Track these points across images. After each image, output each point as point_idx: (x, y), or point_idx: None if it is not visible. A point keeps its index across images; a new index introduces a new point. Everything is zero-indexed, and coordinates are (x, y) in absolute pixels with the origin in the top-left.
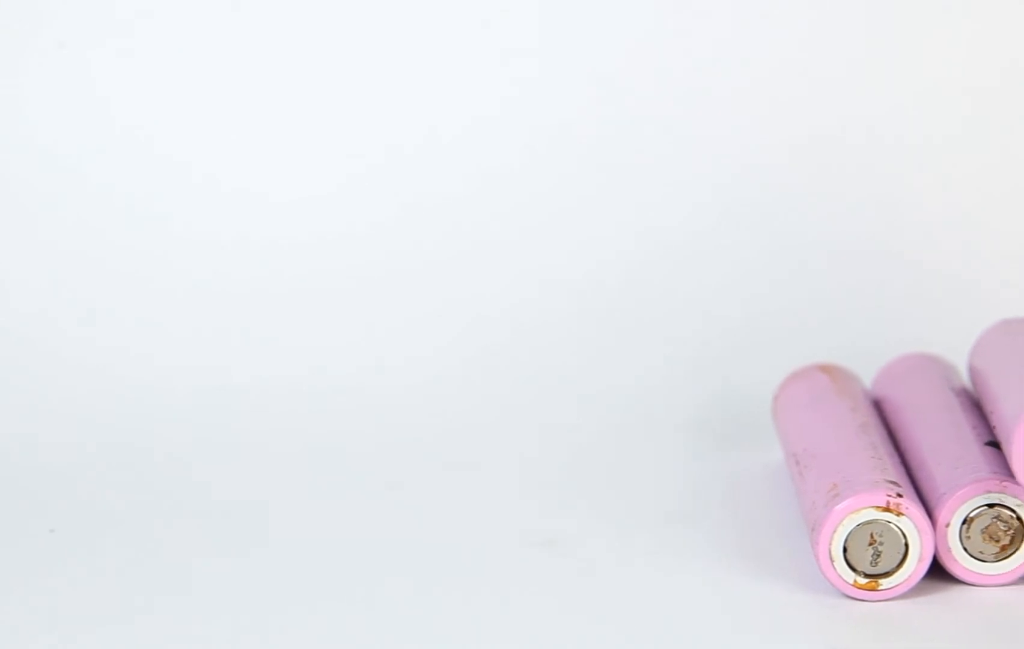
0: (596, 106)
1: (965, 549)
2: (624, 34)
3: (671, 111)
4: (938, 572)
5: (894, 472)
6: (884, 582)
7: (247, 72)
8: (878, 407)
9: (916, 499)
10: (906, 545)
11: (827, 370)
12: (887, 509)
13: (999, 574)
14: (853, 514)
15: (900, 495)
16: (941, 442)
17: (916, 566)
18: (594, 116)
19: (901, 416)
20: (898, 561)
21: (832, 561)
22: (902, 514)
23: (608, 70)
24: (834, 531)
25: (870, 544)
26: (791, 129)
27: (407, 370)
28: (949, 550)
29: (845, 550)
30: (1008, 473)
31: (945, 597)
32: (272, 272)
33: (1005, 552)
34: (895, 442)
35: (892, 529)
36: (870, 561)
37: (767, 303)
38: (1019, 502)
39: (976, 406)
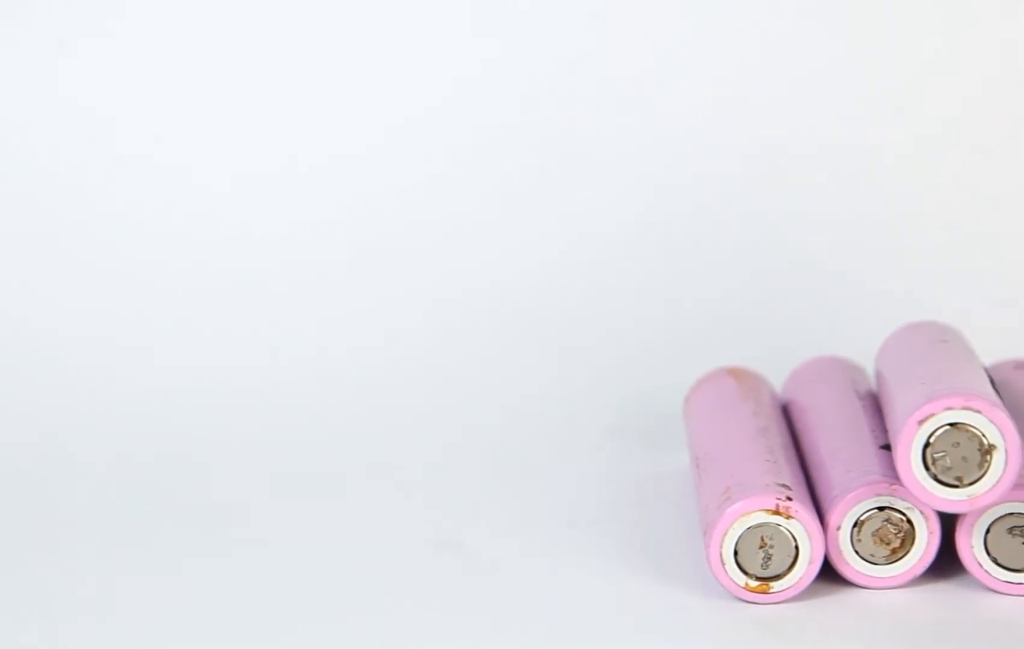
0: (532, 110)
1: (856, 552)
2: (571, 35)
3: (604, 120)
4: (831, 574)
5: (789, 476)
6: (775, 585)
7: (208, 70)
8: (786, 410)
9: (807, 502)
10: (796, 548)
11: (734, 373)
12: (777, 512)
13: (890, 576)
14: (743, 517)
15: (790, 498)
16: (839, 445)
17: (806, 569)
18: (531, 120)
19: (805, 419)
20: (788, 564)
21: (723, 564)
22: (792, 517)
23: (550, 74)
24: (724, 534)
25: (761, 547)
26: (711, 139)
27: (325, 371)
28: (840, 553)
29: (736, 553)
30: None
31: (836, 599)
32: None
33: (896, 555)
34: (799, 445)
35: (782, 532)
36: (761, 564)
37: (688, 308)
38: (909, 505)
39: (879, 409)
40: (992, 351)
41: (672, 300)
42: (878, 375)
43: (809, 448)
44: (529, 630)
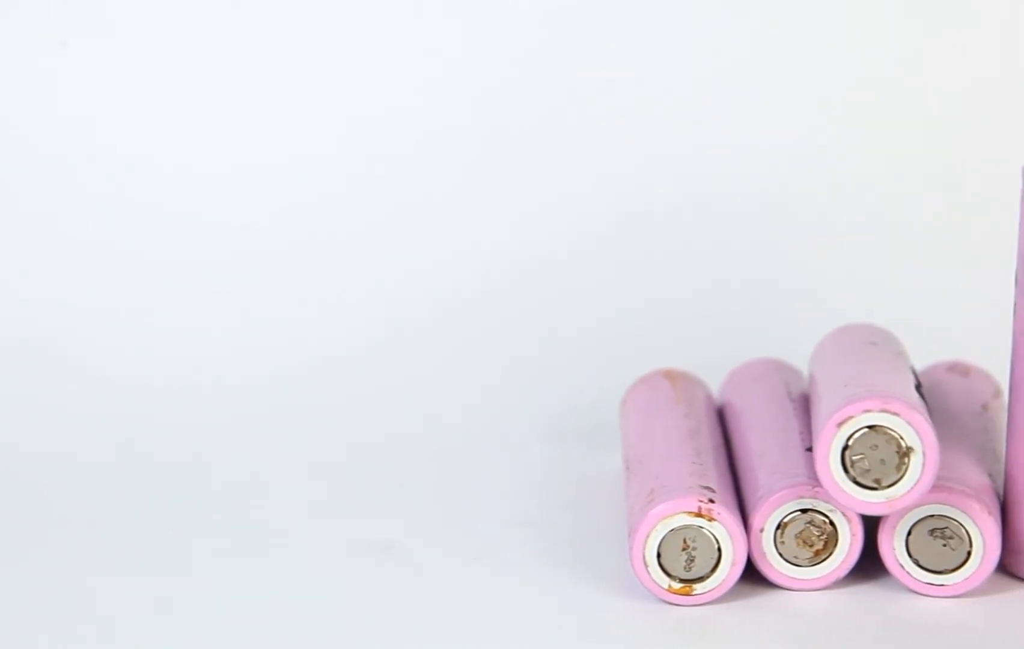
0: (484, 117)
1: (780, 554)
2: (529, 38)
3: (552, 128)
4: (755, 576)
5: (715, 478)
6: (698, 587)
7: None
8: (722, 412)
9: (731, 505)
10: (719, 550)
11: (669, 376)
12: (699, 514)
13: (813, 578)
14: (666, 519)
15: (712, 500)
16: (767, 447)
17: (729, 571)
18: (482, 126)
19: (738, 421)
20: (711, 566)
21: (646, 566)
22: (714, 519)
23: (505, 80)
24: (647, 536)
25: (683, 549)
26: (652, 148)
27: (262, 372)
28: (764, 555)
29: (659, 555)
30: None
31: (760, 601)
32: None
33: (819, 557)
34: (731, 447)
35: (705, 534)
36: (684, 566)
37: (632, 311)
38: (832, 507)
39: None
40: (929, 353)
41: (615, 303)
42: (809, 377)
43: (739, 450)
44: (450, 632)
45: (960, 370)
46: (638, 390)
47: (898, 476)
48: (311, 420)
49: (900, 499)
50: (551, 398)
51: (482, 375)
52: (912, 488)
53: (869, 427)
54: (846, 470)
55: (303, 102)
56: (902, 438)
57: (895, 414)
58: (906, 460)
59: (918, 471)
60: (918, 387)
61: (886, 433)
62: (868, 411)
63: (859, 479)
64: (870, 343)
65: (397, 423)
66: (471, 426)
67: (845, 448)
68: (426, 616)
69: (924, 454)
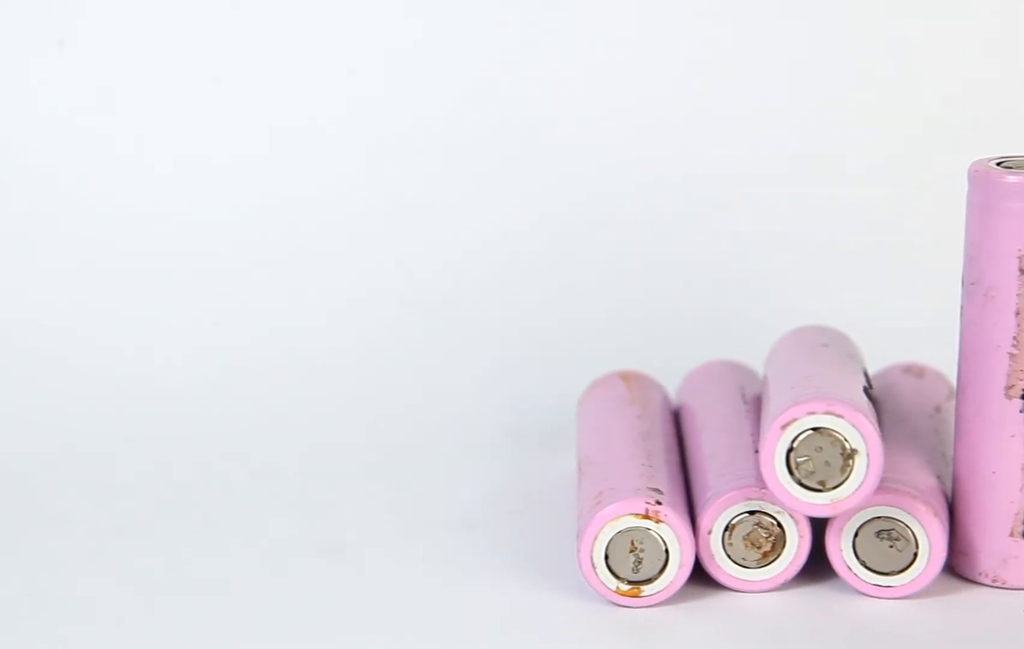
0: (435, 125)
1: (728, 555)
2: (479, 48)
3: (509, 130)
4: (704, 577)
5: (665, 480)
6: (646, 589)
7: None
8: (678, 414)
9: (680, 506)
10: (666, 552)
11: (625, 377)
12: (646, 516)
13: (761, 580)
14: (613, 521)
15: (659, 503)
16: (718, 449)
17: (677, 573)
18: (429, 134)
19: (692, 423)
20: (659, 568)
21: (594, 568)
22: (661, 521)
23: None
24: (595, 538)
25: (631, 551)
26: (609, 150)
27: (208, 372)
28: (712, 557)
29: (607, 557)
30: None
31: (709, 603)
32: None
33: (767, 558)
34: (685, 450)
35: (652, 536)
36: (631, 568)
37: (592, 312)
38: (779, 509)
39: None
40: (888, 355)
41: (576, 305)
42: (763, 379)
43: (692, 452)
44: (396, 634)
45: (915, 372)
46: (594, 391)
47: (843, 478)
48: (264, 418)
49: (845, 501)
50: (510, 399)
51: (440, 375)
52: (857, 490)
53: (814, 429)
54: (791, 472)
55: (267, 101)
56: (846, 440)
57: (839, 416)
58: (851, 462)
59: (862, 473)
60: (867, 389)
61: (831, 435)
62: (812, 413)
63: (804, 481)
64: (822, 345)
65: (352, 423)
66: (428, 426)
67: (790, 450)
68: (373, 618)
69: (868, 456)
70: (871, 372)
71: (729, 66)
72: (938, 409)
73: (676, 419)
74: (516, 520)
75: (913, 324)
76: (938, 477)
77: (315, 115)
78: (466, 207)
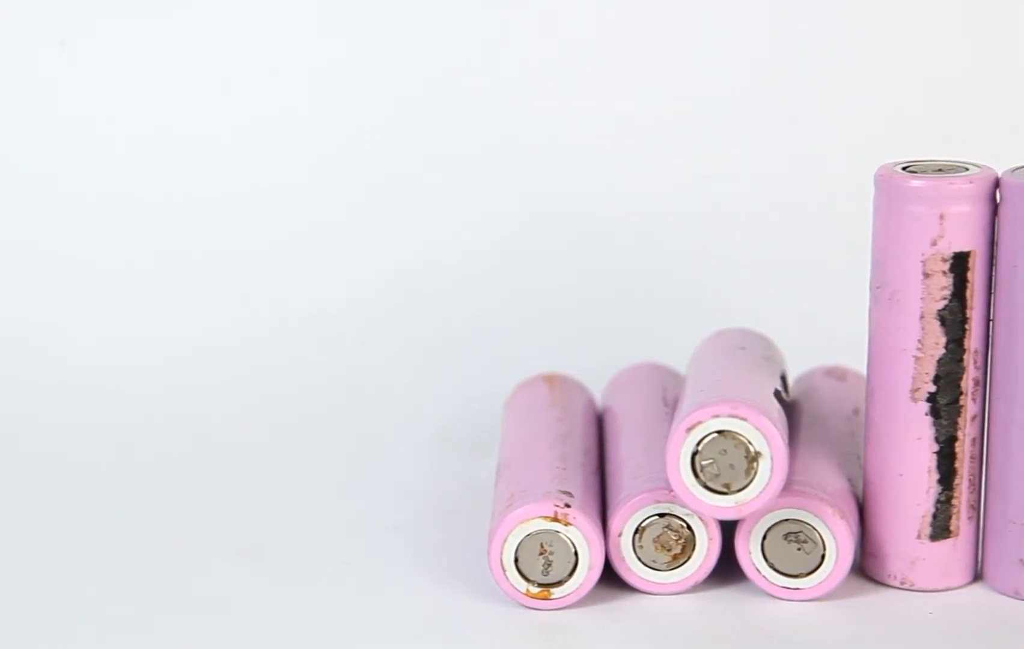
0: (376, 126)
1: (638, 557)
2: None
3: (444, 132)
4: (616, 580)
5: (579, 482)
6: (556, 591)
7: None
8: (602, 417)
9: (590, 509)
10: (576, 555)
11: (549, 380)
12: (555, 519)
13: (672, 582)
14: (522, 524)
15: (568, 505)
16: (633, 451)
17: (586, 575)
18: (368, 135)
19: (613, 425)
20: (569, 570)
21: (504, 570)
22: (570, 524)
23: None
24: (504, 541)
25: (541, 553)
26: (539, 152)
27: (144, 363)
28: (623, 559)
29: (517, 559)
30: None
31: (620, 605)
32: None
33: (677, 561)
34: (606, 452)
35: (562, 539)
36: (541, 570)
37: (525, 315)
38: (689, 511)
39: None
40: (815, 358)
41: (510, 308)
42: (684, 381)
43: (610, 454)
44: (308, 637)
45: (837, 374)
46: (518, 394)
47: (747, 481)
48: (186, 416)
49: (749, 504)
50: (439, 401)
51: (369, 376)
52: (761, 493)
53: (718, 432)
54: (696, 475)
55: (207, 104)
56: (750, 443)
57: (743, 419)
58: (755, 465)
59: (767, 476)
60: (778, 392)
61: (735, 438)
62: (717, 416)
63: (709, 484)
64: (739, 348)
65: (278, 423)
66: (356, 427)
67: (695, 453)
68: (285, 622)
69: (772, 459)
70: (794, 374)
71: (660, 80)
72: (856, 411)
73: (601, 422)
74: (439, 523)
75: (840, 327)
76: (849, 479)
77: (252, 115)
78: (397, 212)
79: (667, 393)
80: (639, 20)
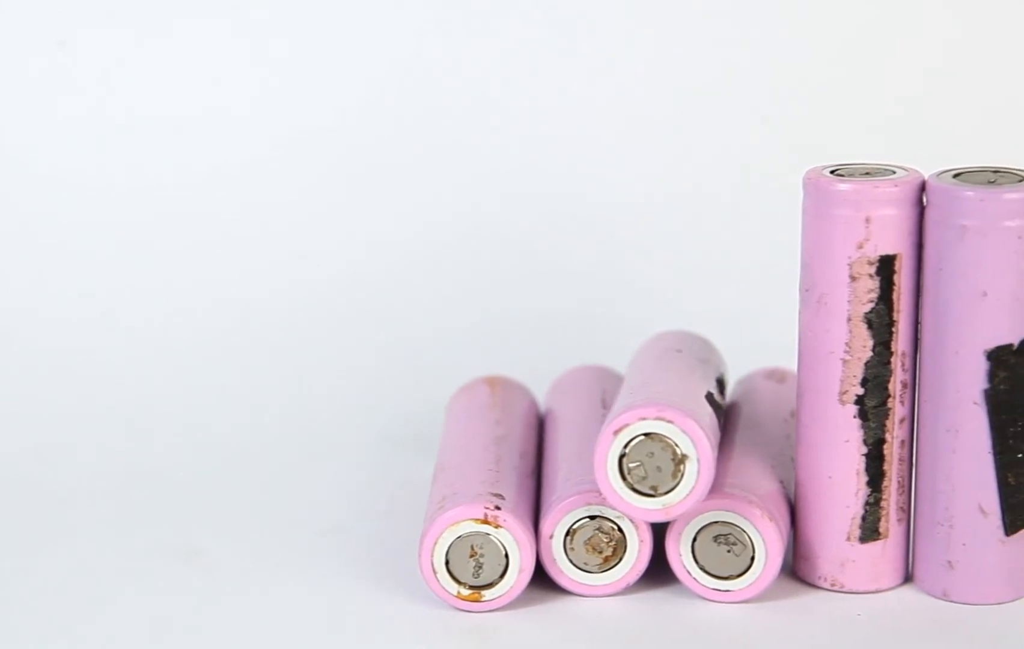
0: (315, 131)
1: (570, 560)
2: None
3: (387, 138)
4: (548, 582)
5: (512, 485)
6: (487, 593)
7: None
8: (543, 420)
9: (522, 512)
10: (506, 557)
11: (491, 382)
12: (485, 521)
13: (603, 585)
14: (453, 526)
15: (499, 508)
16: (568, 454)
17: (517, 577)
18: (310, 137)
19: (553, 428)
20: (500, 573)
21: (435, 573)
22: (500, 526)
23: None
24: (435, 543)
25: (471, 556)
26: (491, 156)
27: (98, 363)
28: (554, 561)
29: (448, 562)
30: None
31: (551, 607)
32: None
33: (608, 563)
34: (543, 454)
35: (492, 541)
36: (472, 572)
37: (479, 319)
38: (620, 514)
39: None
40: (758, 360)
41: (454, 309)
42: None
43: (547, 456)
44: (237, 640)
45: (777, 377)
46: (459, 396)
47: (674, 483)
48: (130, 417)
49: (676, 506)
50: (384, 403)
51: (313, 377)
52: (688, 495)
53: (645, 434)
54: (624, 477)
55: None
56: (677, 446)
57: (669, 422)
58: (682, 467)
59: (693, 478)
60: (711, 395)
61: (662, 440)
62: (643, 419)
63: (636, 486)
64: (675, 351)
65: (219, 424)
66: (298, 429)
67: (623, 455)
68: (219, 624)
69: (699, 461)
70: (736, 376)
71: (606, 89)
72: (793, 414)
73: (542, 424)
74: (377, 525)
75: (784, 330)
76: (781, 482)
77: (200, 112)
78: (340, 213)
79: (606, 395)
80: (591, 29)
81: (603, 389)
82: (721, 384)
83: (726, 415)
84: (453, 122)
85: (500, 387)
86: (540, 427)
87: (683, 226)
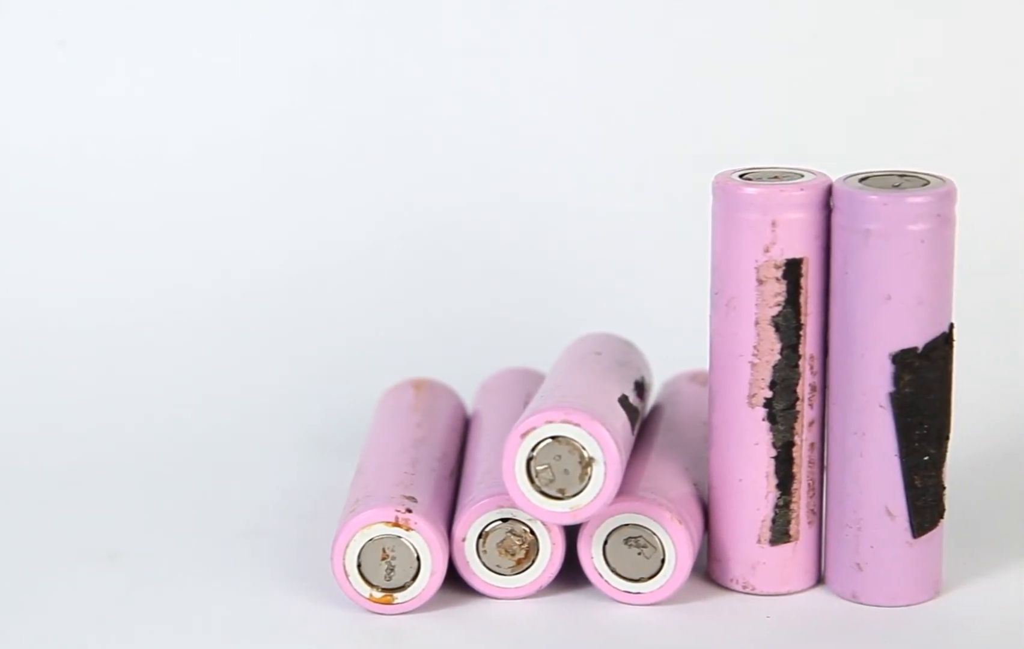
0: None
1: (483, 562)
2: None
3: (328, 139)
4: (462, 584)
5: (427, 488)
6: (399, 596)
7: None
8: (470, 422)
9: (434, 515)
10: (418, 560)
11: (417, 385)
12: (396, 524)
13: (516, 587)
14: (364, 529)
15: (410, 511)
16: (485, 456)
17: (429, 580)
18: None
19: (476, 430)
20: (412, 575)
21: (347, 575)
22: (411, 529)
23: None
24: (347, 545)
25: (383, 558)
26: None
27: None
28: (467, 563)
29: (360, 564)
30: None
31: (465, 610)
32: None
33: (521, 565)
34: (466, 456)
35: (403, 544)
36: (384, 575)
37: (414, 320)
38: (532, 516)
39: None
40: (688, 364)
41: (384, 311)
42: None
43: (468, 459)
44: (151, 643)
45: (700, 379)
46: (385, 399)
47: (581, 486)
48: (47, 417)
49: (584, 509)
50: (313, 405)
51: (240, 378)
52: (595, 498)
53: (552, 437)
54: (532, 480)
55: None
56: (584, 449)
57: (576, 425)
58: (589, 470)
59: (600, 481)
60: (625, 398)
61: (569, 443)
62: (551, 422)
63: (544, 489)
64: (594, 353)
65: (145, 426)
66: (224, 429)
67: (531, 458)
68: (135, 627)
69: (606, 464)
70: (663, 379)
71: (525, 91)
72: None
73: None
74: (299, 527)
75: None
76: (696, 484)
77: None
78: (270, 215)
79: (530, 397)
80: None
81: (527, 391)
82: (640, 387)
83: (649, 417)
84: (383, 126)
85: (426, 389)
86: (466, 429)
87: (618, 229)
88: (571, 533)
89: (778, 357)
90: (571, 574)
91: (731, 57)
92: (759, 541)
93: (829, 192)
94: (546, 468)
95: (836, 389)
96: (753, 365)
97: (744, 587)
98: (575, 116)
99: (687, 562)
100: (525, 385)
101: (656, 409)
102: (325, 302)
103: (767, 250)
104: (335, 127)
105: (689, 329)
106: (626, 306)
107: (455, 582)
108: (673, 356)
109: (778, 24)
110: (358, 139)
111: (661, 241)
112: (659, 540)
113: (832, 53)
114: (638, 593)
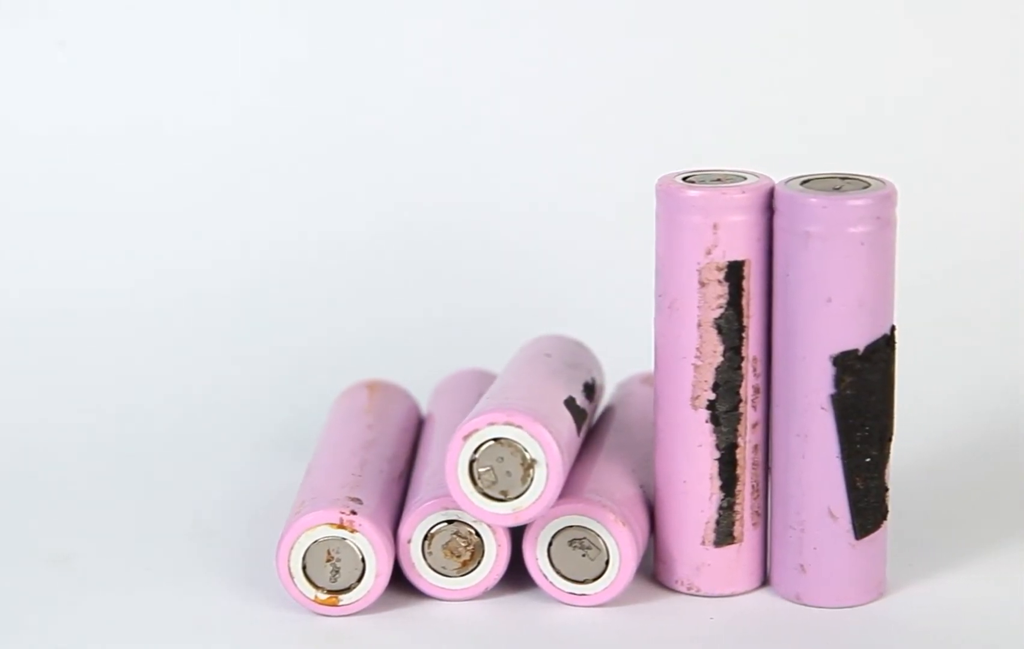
0: (227, 126)
1: (428, 564)
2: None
3: (291, 140)
4: (408, 586)
5: (375, 490)
6: (344, 598)
7: None
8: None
9: (380, 517)
10: (363, 561)
11: (371, 387)
12: (341, 526)
13: (462, 588)
14: (309, 531)
15: (355, 512)
16: (433, 457)
17: (374, 582)
18: (214, 134)
19: (428, 432)
20: (357, 577)
21: (292, 577)
22: (356, 531)
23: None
24: (291, 547)
25: (328, 560)
26: (393, 160)
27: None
28: (413, 565)
29: (305, 566)
30: None
31: (410, 611)
32: None
33: (467, 567)
34: (417, 459)
35: (348, 546)
36: (329, 577)
37: (375, 321)
38: (475, 518)
39: None
40: (639, 365)
41: (343, 312)
42: None
43: (418, 461)
44: (93, 644)
45: (652, 381)
46: (340, 400)
47: (524, 488)
48: (8, 419)
49: (526, 511)
50: (266, 407)
51: (195, 378)
52: (537, 500)
53: (495, 439)
54: (474, 482)
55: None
56: (526, 451)
57: (519, 427)
58: (531, 472)
59: (542, 483)
60: (571, 400)
61: (511, 445)
62: (493, 424)
63: (487, 491)
64: (544, 355)
65: (98, 425)
66: (178, 431)
67: (473, 460)
68: (75, 627)
69: (548, 466)
70: (616, 381)
71: (485, 92)
72: None
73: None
74: (250, 528)
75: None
76: (642, 486)
77: (98, 114)
78: (224, 214)
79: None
80: (468, 31)
81: (481, 393)
82: (590, 389)
83: (600, 418)
84: (337, 128)
85: (380, 391)
86: (420, 430)
87: (575, 231)
88: (517, 535)
89: (721, 359)
90: (517, 576)
91: (688, 60)
92: (703, 543)
93: (771, 195)
94: (488, 470)
95: (779, 391)
96: (696, 367)
97: (689, 588)
98: (524, 120)
99: (631, 563)
100: (479, 386)
101: (608, 410)
102: (284, 302)
103: (709, 252)
104: (289, 130)
105: (644, 331)
106: (583, 308)
107: (401, 583)
108: (628, 357)
109: (729, 25)
110: (312, 142)
111: (617, 242)
112: (603, 541)
113: (805, 54)
114: (583, 594)
